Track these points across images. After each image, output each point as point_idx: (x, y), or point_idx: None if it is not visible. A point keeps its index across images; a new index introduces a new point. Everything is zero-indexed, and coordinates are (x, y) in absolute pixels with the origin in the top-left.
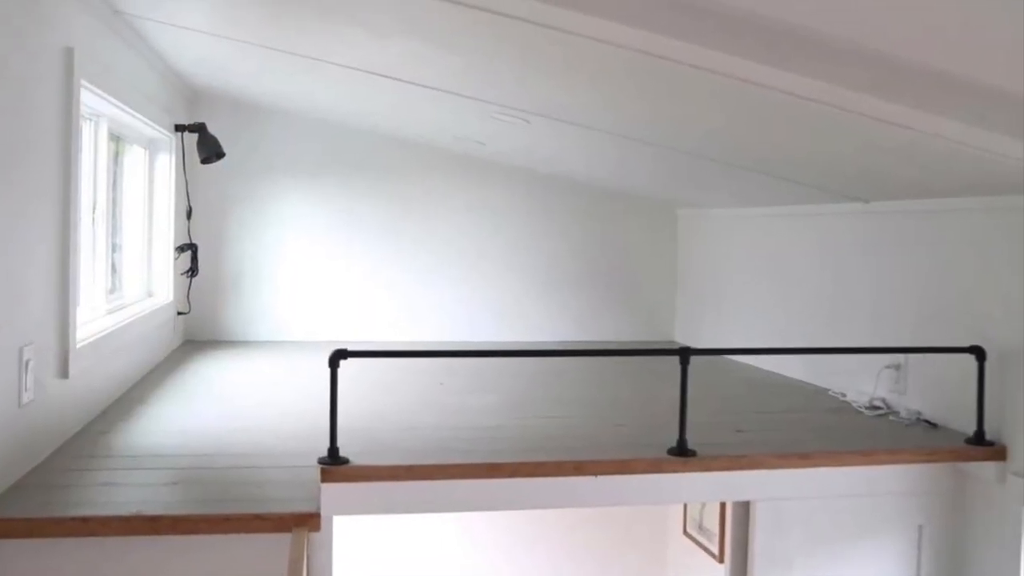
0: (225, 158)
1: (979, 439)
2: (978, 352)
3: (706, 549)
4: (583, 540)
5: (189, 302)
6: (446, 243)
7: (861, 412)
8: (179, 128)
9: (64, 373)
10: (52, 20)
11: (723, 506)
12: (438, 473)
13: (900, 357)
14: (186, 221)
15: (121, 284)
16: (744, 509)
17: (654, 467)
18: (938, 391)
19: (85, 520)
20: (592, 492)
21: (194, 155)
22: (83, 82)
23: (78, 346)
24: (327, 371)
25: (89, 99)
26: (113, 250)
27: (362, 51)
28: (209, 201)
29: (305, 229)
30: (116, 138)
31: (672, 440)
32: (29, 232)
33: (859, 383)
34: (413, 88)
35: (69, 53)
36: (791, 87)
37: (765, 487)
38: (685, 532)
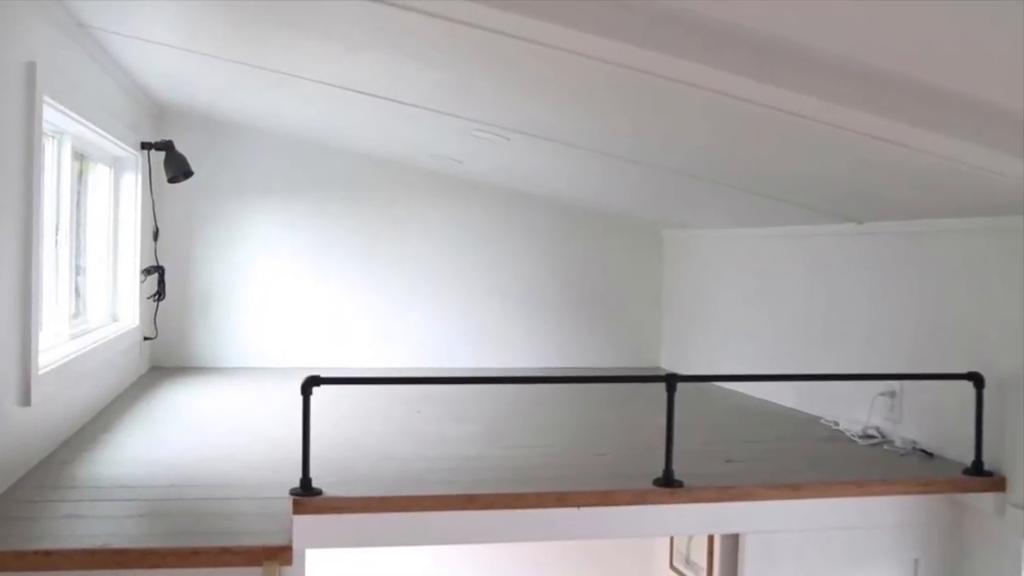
0: (193, 177)
1: (977, 469)
2: (976, 379)
3: None
4: (565, 575)
5: (156, 327)
6: (423, 265)
7: (854, 441)
8: (145, 146)
9: (25, 401)
10: (12, 33)
11: (711, 539)
12: (414, 505)
13: (895, 384)
14: (152, 242)
15: (85, 308)
16: (733, 542)
17: (639, 498)
18: (934, 419)
19: (48, 554)
20: (574, 524)
21: (161, 174)
22: (45, 98)
23: (40, 372)
24: (299, 398)
25: (52, 116)
26: (77, 273)
27: (335, 65)
28: (176, 222)
29: (276, 251)
30: (80, 156)
31: (658, 470)
32: None
33: (852, 411)
34: (388, 104)
35: (31, 68)
36: (781, 103)
37: (755, 519)
38: (671, 566)
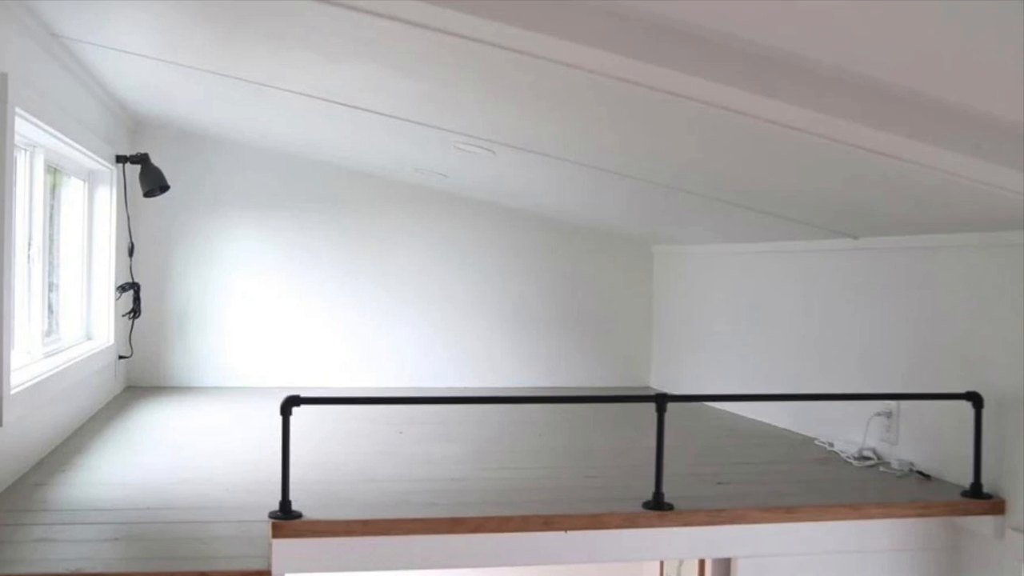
0: (169, 191)
1: (976, 492)
2: (975, 399)
3: None
4: None
5: (131, 345)
6: (406, 282)
7: (850, 463)
8: (120, 159)
9: None
10: None
11: (702, 563)
12: (397, 528)
13: (891, 404)
14: (128, 259)
15: (58, 326)
16: (725, 567)
17: (628, 522)
18: (932, 440)
19: None
20: (562, 549)
21: (136, 188)
22: (17, 109)
23: (12, 392)
24: (278, 419)
25: (24, 128)
26: (50, 289)
27: (315, 76)
28: (152, 237)
29: (255, 267)
30: (53, 170)
31: (648, 493)
32: None
33: (848, 432)
34: (370, 116)
35: (2, 79)
36: (775, 115)
37: (748, 543)
38: None
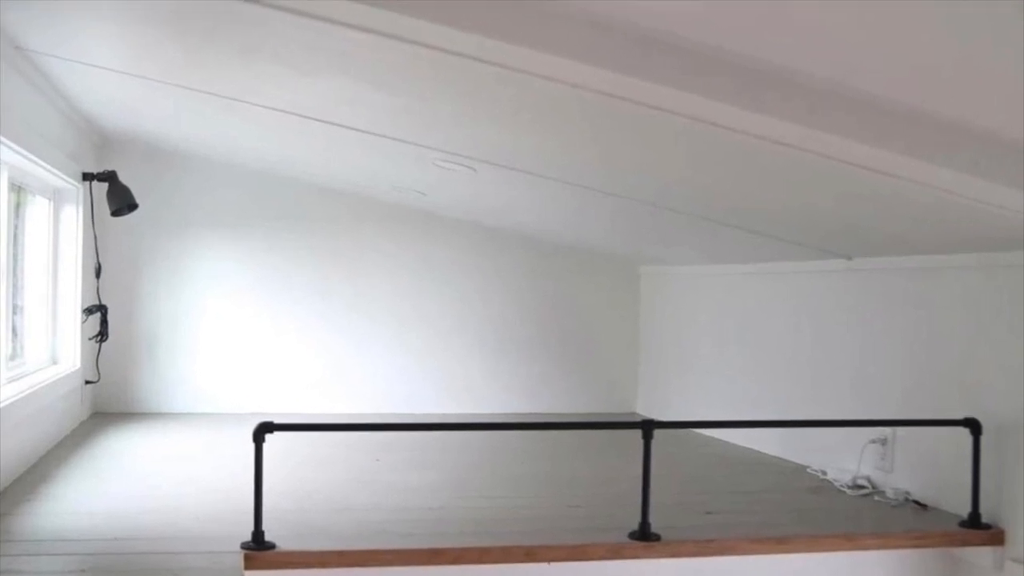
0: (138, 210)
1: (974, 522)
2: (973, 425)
3: None
4: None
5: (98, 369)
6: (383, 304)
7: (843, 492)
8: (87, 177)
9: None
10: None
11: None
12: (374, 559)
13: (886, 431)
14: (95, 280)
15: (23, 349)
16: None
17: (614, 553)
18: (929, 468)
19: None
20: None
21: (104, 207)
22: None
23: None
24: (251, 446)
25: None
26: (14, 312)
27: (288, 90)
28: (120, 257)
29: (227, 288)
30: (17, 188)
31: (634, 523)
32: None
33: (841, 459)
34: (345, 132)
35: None
36: (765, 131)
37: (737, 575)
38: None
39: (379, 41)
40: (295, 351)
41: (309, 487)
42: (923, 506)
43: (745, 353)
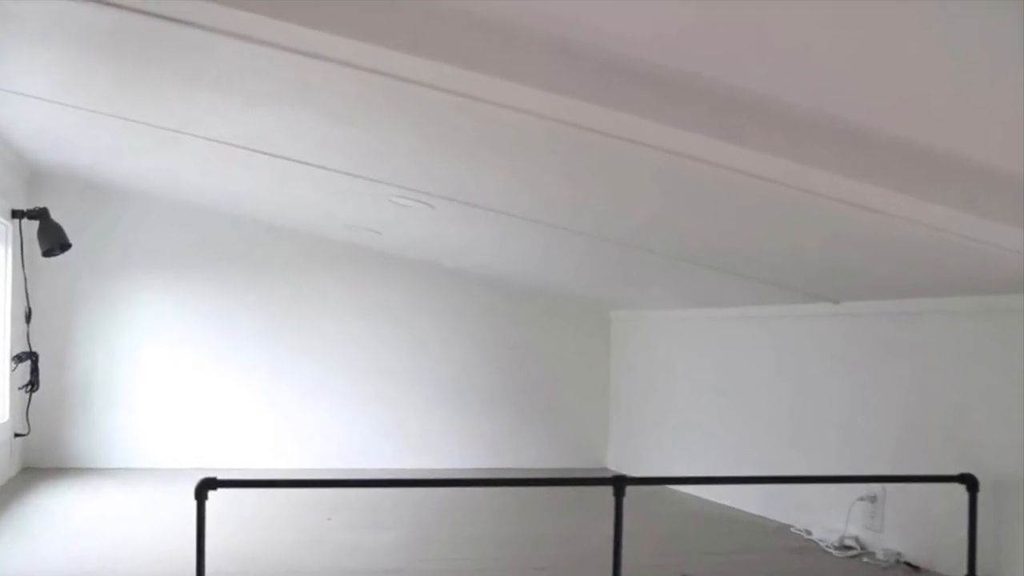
0: (72, 250)
1: None
2: (969, 481)
3: None
4: None
5: (28, 422)
6: (335, 351)
7: (830, 553)
8: (16, 214)
9: None
10: None
11: None
12: None
13: (876, 487)
14: (24, 325)
15: None
16: None
17: None
18: (922, 527)
19: None
20: None
21: (34, 246)
22: None
23: None
24: (192, 504)
25: None
26: None
27: (233, 121)
28: (52, 301)
29: (167, 334)
30: None
31: None
32: None
33: (827, 518)
34: (294, 165)
35: None
36: (745, 165)
37: None
38: None
39: (330, 68)
40: (240, 402)
41: (255, 549)
42: (916, 568)
43: (724, 404)
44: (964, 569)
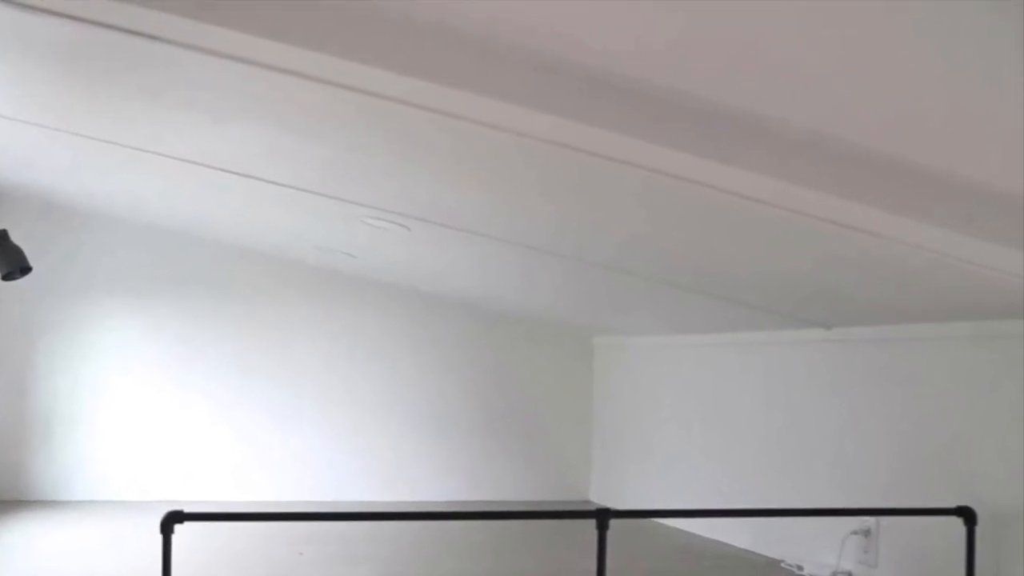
0: (32, 273)
1: None
2: (967, 514)
3: None
4: None
5: None
6: (306, 379)
7: None
8: None
9: None
10: None
11: None
12: None
13: (870, 520)
14: None
15: None
16: None
17: None
18: (917, 562)
19: None
20: None
21: None
22: None
23: None
24: (158, 538)
25: None
26: None
27: (199, 139)
28: (12, 327)
29: (132, 361)
30: None
31: None
32: None
33: (819, 553)
34: (263, 185)
35: None
36: (733, 185)
37: None
38: None
39: (300, 84)
40: (208, 432)
41: None
42: None
43: (711, 433)
44: None
